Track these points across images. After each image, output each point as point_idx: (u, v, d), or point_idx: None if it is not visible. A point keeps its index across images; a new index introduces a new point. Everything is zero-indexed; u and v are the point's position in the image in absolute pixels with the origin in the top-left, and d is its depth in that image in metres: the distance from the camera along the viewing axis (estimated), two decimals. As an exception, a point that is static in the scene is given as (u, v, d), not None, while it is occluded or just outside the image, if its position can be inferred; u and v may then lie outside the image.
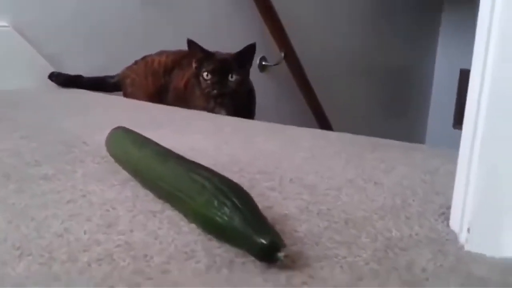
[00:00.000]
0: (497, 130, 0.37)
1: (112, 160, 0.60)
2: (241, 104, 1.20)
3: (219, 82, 1.12)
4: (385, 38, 2.62)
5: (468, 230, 0.38)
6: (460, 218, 0.40)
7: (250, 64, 1.23)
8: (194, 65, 1.16)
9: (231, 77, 1.13)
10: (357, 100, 2.51)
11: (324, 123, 2.11)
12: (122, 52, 1.36)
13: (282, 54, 1.87)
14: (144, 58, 1.28)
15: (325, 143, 0.72)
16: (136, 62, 1.28)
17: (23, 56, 1.13)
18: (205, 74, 1.12)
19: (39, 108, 0.94)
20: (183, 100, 1.17)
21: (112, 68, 1.31)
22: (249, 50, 1.19)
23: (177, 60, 1.26)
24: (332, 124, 2.11)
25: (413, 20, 2.88)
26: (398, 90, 2.92)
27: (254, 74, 1.87)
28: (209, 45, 1.47)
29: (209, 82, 1.12)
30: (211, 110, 1.15)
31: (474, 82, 0.39)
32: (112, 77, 1.27)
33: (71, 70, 1.23)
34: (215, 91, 1.13)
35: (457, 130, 3.41)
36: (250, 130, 0.81)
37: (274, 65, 1.90)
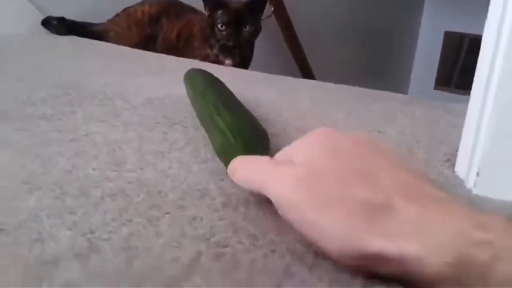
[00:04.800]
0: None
1: (111, 102, 0.58)
2: (245, 54, 1.21)
3: (234, 33, 1.12)
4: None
5: (477, 174, 0.39)
6: (469, 162, 0.41)
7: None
8: (207, 13, 1.14)
9: (245, 27, 1.14)
10: (342, 58, 2.50)
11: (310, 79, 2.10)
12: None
13: (272, 8, 1.83)
14: (125, 10, 1.24)
15: (325, 93, 0.71)
16: (117, 15, 1.24)
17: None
18: (219, 25, 1.12)
19: (30, 53, 0.89)
20: (174, 51, 1.15)
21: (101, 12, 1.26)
22: None
23: (163, 10, 1.23)
24: (317, 79, 2.10)
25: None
26: (383, 50, 2.92)
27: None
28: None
29: (224, 33, 1.12)
30: (214, 59, 1.14)
31: (495, 11, 0.38)
32: (94, 25, 1.22)
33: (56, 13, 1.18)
34: (230, 43, 1.13)
35: (438, 91, 3.45)
36: (249, 79, 0.80)
37: (263, 18, 1.86)
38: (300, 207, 0.27)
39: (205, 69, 0.59)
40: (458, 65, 3.36)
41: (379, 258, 0.25)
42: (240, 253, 0.29)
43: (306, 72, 2.08)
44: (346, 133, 0.32)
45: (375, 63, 2.87)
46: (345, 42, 2.50)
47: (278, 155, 0.33)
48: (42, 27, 1.10)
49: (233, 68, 0.86)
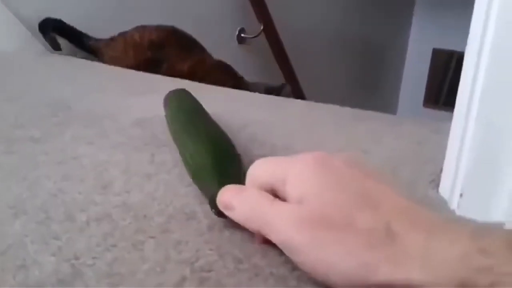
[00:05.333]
0: (497, 83, 0.37)
1: (100, 123, 0.59)
2: None
3: None
4: (362, 13, 2.63)
5: (461, 195, 0.40)
6: (452, 184, 0.41)
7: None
8: None
9: None
10: (331, 73, 2.53)
11: (299, 98, 2.11)
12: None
13: (261, 26, 1.85)
14: (121, 34, 1.24)
15: (312, 113, 0.72)
16: (113, 39, 1.24)
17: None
18: None
19: (19, 72, 0.90)
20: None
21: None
22: None
23: (166, 38, 1.23)
24: (306, 96, 2.12)
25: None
26: (372, 66, 2.95)
27: (232, 46, 1.86)
28: (184, 13, 1.45)
29: None
30: None
31: (476, 30, 0.38)
32: (89, 38, 1.22)
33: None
34: None
35: (427, 109, 3.49)
36: (238, 99, 0.81)
37: (253, 37, 1.88)
38: (306, 250, 0.27)
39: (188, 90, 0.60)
40: (446, 83, 3.40)
41: (386, 286, 0.25)
42: (224, 277, 0.29)
43: (296, 91, 2.09)
44: (337, 155, 0.32)
45: (365, 78, 2.90)
46: (334, 57, 2.53)
47: (265, 174, 0.33)
48: (30, 44, 1.10)
49: (223, 88, 0.86)
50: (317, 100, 0.78)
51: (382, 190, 0.28)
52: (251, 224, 0.32)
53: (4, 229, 0.34)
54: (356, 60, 2.72)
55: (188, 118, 0.50)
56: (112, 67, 1.05)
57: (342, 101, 0.77)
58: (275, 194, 0.32)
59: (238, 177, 0.38)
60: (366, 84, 2.96)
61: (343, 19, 2.49)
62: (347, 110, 0.75)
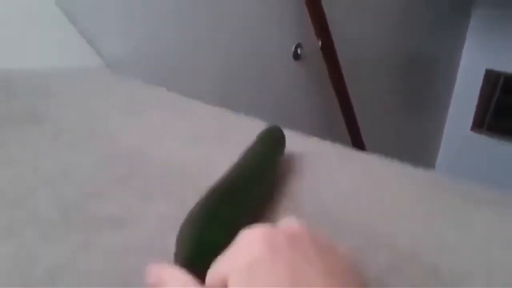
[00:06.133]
0: None
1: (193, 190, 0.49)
2: None
3: None
4: (413, 32, 2.50)
5: None
6: None
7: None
8: None
9: None
10: (381, 92, 2.41)
11: (351, 118, 2.01)
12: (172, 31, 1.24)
13: (320, 43, 1.75)
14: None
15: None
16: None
17: (58, 29, 0.99)
18: None
19: (77, 99, 0.79)
20: None
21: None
22: None
23: None
24: (356, 113, 2.01)
25: (442, 16, 2.75)
26: (421, 85, 2.82)
27: (288, 62, 1.76)
28: (242, 27, 1.34)
29: None
30: None
31: None
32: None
33: (107, 49, 1.09)
34: None
35: (473, 133, 3.30)
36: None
37: (310, 53, 1.78)
38: None
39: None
40: (497, 107, 3.22)
41: None
42: None
43: (348, 114, 1.99)
44: (284, 230, 0.29)
45: (414, 97, 2.77)
46: (385, 76, 2.41)
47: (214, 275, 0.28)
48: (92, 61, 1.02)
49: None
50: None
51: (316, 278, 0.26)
52: None
53: None
54: (405, 78, 2.59)
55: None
56: (192, 102, 0.87)
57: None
58: None
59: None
60: (416, 102, 2.83)
61: (395, 36, 2.36)
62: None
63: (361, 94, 2.10)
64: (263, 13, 1.57)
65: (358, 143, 2.08)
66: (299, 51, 1.75)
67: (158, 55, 1.20)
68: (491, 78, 3.17)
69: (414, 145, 3.03)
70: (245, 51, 1.53)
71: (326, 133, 2.07)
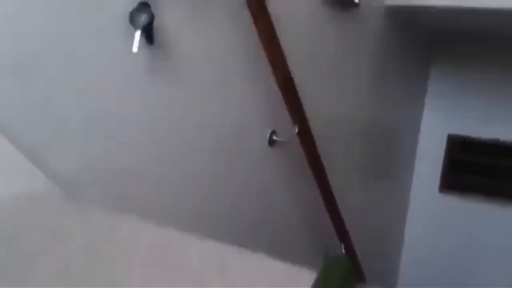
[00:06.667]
0: None
1: None
2: None
3: None
4: (379, 103, 2.49)
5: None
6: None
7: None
8: None
9: None
10: (352, 160, 2.34)
11: (332, 205, 1.89)
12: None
13: (296, 129, 1.64)
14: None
15: None
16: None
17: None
18: None
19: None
20: None
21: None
22: None
23: None
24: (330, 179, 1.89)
25: (403, 85, 2.78)
26: (388, 152, 2.79)
27: (263, 150, 1.63)
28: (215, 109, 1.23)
29: None
30: None
31: None
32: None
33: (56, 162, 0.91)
34: None
35: (442, 194, 3.29)
36: None
37: (285, 140, 1.67)
38: None
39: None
40: (463, 168, 3.24)
41: None
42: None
43: (327, 195, 1.87)
44: None
45: (382, 164, 2.72)
46: (356, 145, 2.35)
47: None
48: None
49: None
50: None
51: None
52: None
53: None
54: (373, 146, 2.54)
55: None
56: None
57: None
58: None
59: None
60: (385, 168, 2.78)
61: (362, 109, 2.33)
62: None
63: (335, 161, 2.00)
64: (236, 100, 1.46)
65: (341, 232, 1.96)
66: (274, 137, 1.64)
67: (116, 173, 1.04)
68: (453, 142, 3.21)
69: (385, 212, 2.96)
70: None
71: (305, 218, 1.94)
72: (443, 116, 3.24)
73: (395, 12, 2.29)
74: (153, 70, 1.11)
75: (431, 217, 3.31)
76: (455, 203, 3.25)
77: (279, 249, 1.70)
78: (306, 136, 1.67)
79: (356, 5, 1.93)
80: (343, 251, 2.05)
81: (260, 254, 0.62)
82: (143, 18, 0.98)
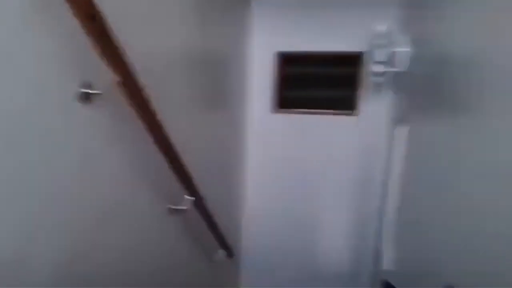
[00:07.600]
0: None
1: None
2: None
3: None
4: (203, 33, 2.20)
5: None
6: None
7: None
8: None
9: None
10: (183, 93, 2.05)
11: (177, 162, 1.60)
12: None
13: (117, 78, 1.26)
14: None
15: None
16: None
17: None
18: None
19: None
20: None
21: None
22: None
23: None
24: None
25: (225, 13, 2.51)
26: (220, 80, 2.58)
27: (72, 107, 1.22)
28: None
29: None
30: None
31: None
32: None
33: None
34: None
35: (274, 114, 3.25)
36: None
37: (101, 93, 1.28)
38: None
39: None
40: (292, 84, 3.21)
41: None
42: None
43: (174, 160, 1.57)
44: None
45: (215, 92, 2.50)
46: (186, 77, 2.05)
47: None
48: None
49: None
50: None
51: None
52: None
53: None
54: (204, 76, 2.28)
55: None
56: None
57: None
58: None
59: None
60: (218, 96, 2.56)
61: (188, 37, 2.01)
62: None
63: (165, 95, 1.69)
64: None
65: (190, 188, 1.71)
66: (87, 90, 1.23)
67: None
68: (281, 59, 3.12)
69: (225, 141, 2.80)
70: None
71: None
72: (270, 35, 3.12)
73: None
74: None
75: (267, 134, 3.30)
76: (288, 120, 3.25)
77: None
78: (131, 86, 1.31)
79: None
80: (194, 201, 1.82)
81: None
82: None
